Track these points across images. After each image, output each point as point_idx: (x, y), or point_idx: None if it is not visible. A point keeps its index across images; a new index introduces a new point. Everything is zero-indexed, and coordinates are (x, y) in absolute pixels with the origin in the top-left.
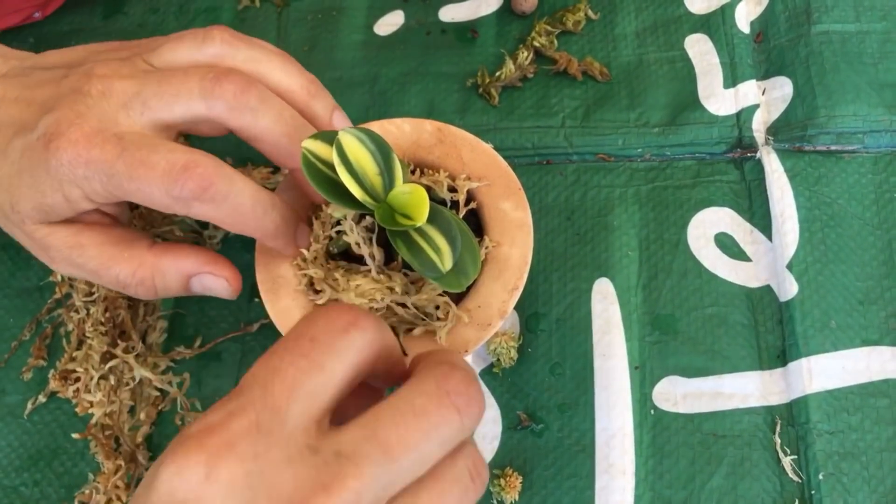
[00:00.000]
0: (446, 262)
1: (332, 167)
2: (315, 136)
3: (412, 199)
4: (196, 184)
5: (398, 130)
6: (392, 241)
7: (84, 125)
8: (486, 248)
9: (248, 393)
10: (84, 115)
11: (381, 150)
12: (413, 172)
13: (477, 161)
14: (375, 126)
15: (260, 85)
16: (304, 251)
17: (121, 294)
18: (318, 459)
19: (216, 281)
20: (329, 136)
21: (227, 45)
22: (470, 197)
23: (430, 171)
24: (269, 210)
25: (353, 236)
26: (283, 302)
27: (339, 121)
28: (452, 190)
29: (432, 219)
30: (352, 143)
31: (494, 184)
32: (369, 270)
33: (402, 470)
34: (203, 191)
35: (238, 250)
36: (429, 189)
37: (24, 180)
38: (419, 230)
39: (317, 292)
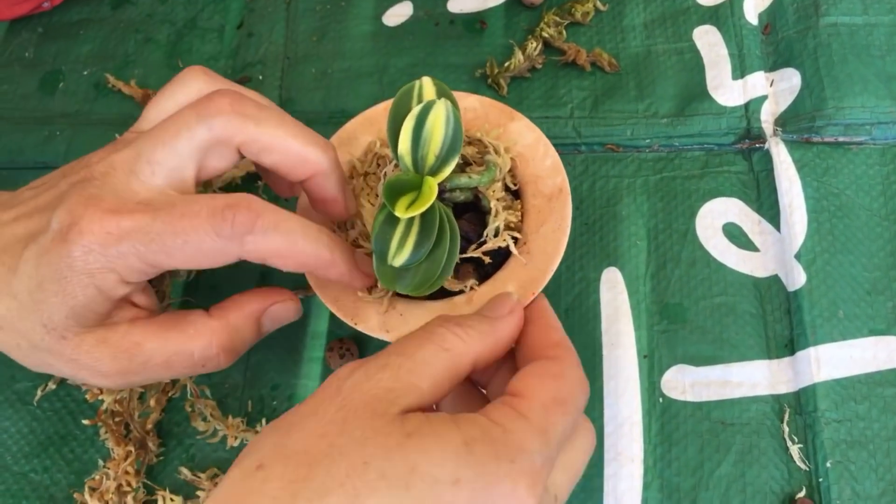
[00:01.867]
0: (397, 259)
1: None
2: (433, 81)
3: (422, 194)
4: (245, 216)
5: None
6: (383, 200)
7: (101, 203)
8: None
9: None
10: (97, 196)
11: (454, 142)
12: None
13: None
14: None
15: (250, 97)
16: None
17: None
18: None
19: (283, 307)
20: (441, 92)
21: (207, 78)
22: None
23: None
24: (319, 234)
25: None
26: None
27: None
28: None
29: (425, 220)
30: (440, 114)
31: (547, 215)
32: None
33: None
34: (253, 222)
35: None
36: (478, 195)
37: (49, 290)
38: (409, 219)
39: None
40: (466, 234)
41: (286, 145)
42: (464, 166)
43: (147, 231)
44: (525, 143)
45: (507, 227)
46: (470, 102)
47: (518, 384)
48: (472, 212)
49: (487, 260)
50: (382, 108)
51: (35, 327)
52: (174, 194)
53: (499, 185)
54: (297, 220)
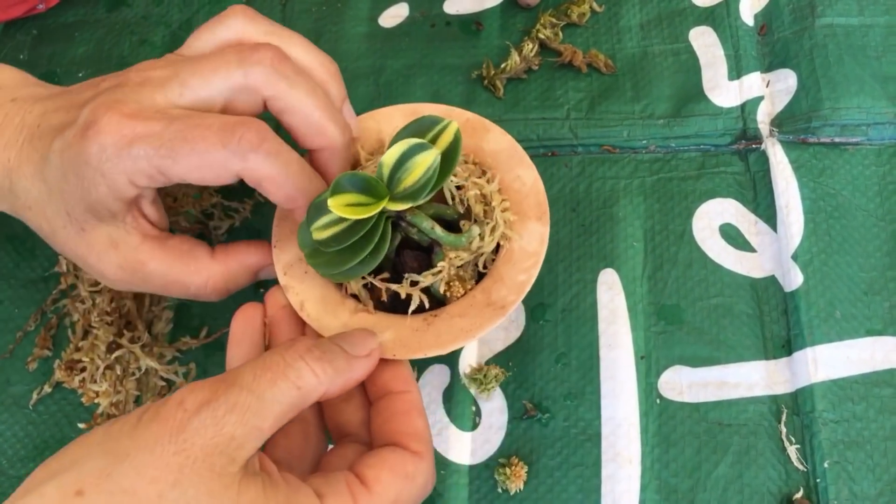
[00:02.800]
0: (316, 233)
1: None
2: (457, 132)
3: (370, 206)
4: (254, 135)
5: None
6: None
7: (122, 108)
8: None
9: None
10: (121, 101)
11: (420, 190)
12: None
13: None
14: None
15: (292, 60)
16: None
17: None
18: None
19: None
20: (453, 147)
21: (247, 20)
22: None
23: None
24: (314, 176)
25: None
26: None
27: (348, 111)
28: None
29: (359, 224)
30: (427, 160)
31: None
32: None
33: None
34: (260, 143)
35: None
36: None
37: (70, 181)
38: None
39: None
40: (404, 265)
41: (308, 112)
42: (466, 213)
43: (159, 136)
44: (525, 245)
45: (441, 293)
46: (526, 174)
47: (369, 471)
48: (425, 252)
49: (383, 298)
50: (428, 108)
51: (60, 213)
52: (192, 111)
53: (467, 257)
54: (298, 157)
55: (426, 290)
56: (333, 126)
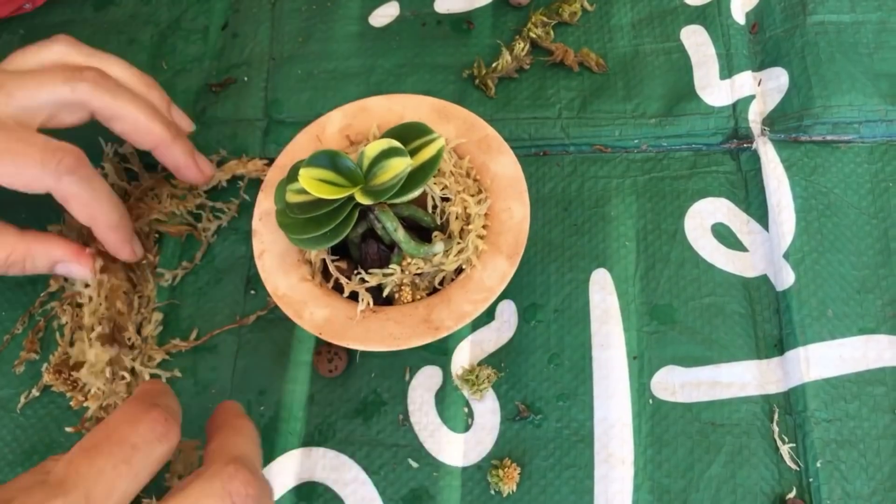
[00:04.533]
0: (289, 196)
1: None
2: (442, 148)
3: (340, 188)
4: (73, 160)
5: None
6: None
7: None
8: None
9: (73, 493)
10: None
11: (388, 189)
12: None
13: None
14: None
15: (114, 79)
16: None
17: (119, 286)
18: None
19: (77, 267)
20: (433, 159)
21: (69, 46)
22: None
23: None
24: (118, 206)
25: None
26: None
27: (177, 113)
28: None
29: (325, 201)
30: (400, 165)
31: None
32: None
33: None
34: (77, 167)
35: (233, 243)
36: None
37: None
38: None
39: None
40: (366, 254)
41: (134, 117)
42: (443, 226)
43: None
44: (485, 278)
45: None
46: (518, 209)
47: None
48: (389, 249)
49: (330, 286)
50: (457, 110)
51: None
52: (18, 127)
53: (427, 268)
54: (107, 188)
55: (378, 286)
56: (158, 126)
